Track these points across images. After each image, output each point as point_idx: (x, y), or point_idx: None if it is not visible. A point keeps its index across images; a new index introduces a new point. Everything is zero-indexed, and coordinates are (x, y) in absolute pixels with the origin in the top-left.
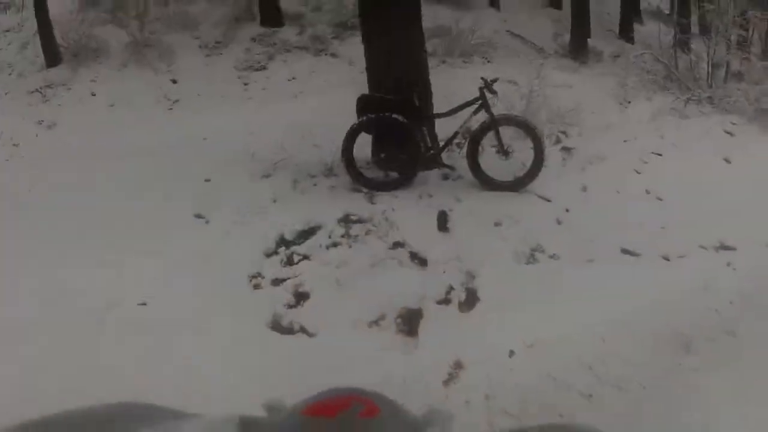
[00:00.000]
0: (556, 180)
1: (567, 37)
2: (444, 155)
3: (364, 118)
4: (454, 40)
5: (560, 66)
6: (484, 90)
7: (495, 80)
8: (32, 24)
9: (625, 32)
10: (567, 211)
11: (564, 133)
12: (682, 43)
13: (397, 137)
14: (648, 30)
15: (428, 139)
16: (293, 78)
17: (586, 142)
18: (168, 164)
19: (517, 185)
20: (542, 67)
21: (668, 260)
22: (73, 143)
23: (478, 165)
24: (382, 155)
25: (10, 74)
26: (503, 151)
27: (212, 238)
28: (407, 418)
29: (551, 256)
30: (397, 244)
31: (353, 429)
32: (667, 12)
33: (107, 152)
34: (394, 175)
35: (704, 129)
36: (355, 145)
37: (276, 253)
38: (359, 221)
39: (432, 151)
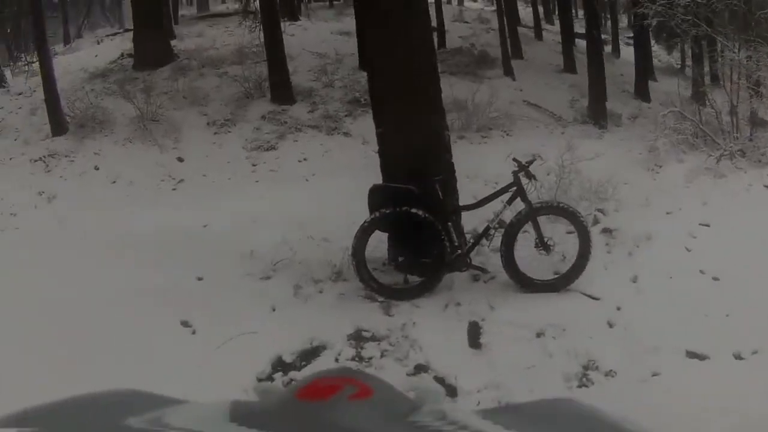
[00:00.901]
0: (602, 270)
1: (584, 102)
2: (473, 254)
3: (378, 213)
4: (471, 114)
5: (582, 133)
6: (519, 174)
7: (531, 162)
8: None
9: (641, 91)
10: (618, 309)
11: (601, 211)
12: (700, 96)
13: (417, 236)
14: (661, 86)
15: (454, 236)
16: (304, 159)
17: (627, 220)
18: (161, 257)
19: (560, 284)
20: (571, 140)
21: (742, 359)
22: (70, 222)
23: (514, 263)
24: (400, 258)
25: (15, 140)
26: (544, 246)
27: (197, 355)
28: (400, 400)
29: (608, 374)
30: (419, 368)
31: (345, 411)
32: (677, 66)
33: (102, 239)
34: (414, 279)
35: (743, 186)
36: (368, 245)
37: (271, 379)
38: (373, 339)
39: (459, 251)
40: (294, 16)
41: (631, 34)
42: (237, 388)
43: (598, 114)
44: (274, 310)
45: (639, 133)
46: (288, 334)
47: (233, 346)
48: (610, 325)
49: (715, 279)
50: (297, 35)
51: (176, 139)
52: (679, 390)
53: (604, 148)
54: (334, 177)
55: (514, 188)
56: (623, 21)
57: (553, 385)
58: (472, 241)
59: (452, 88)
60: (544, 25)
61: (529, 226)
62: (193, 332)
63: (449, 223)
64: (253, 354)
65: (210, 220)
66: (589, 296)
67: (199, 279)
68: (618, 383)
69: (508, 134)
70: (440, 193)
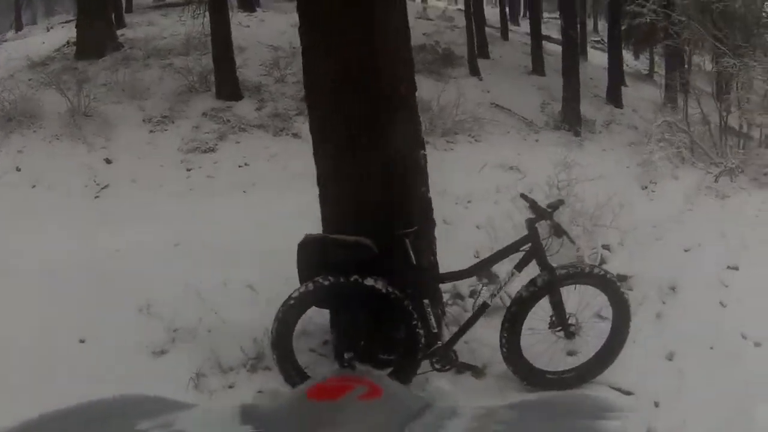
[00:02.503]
0: (630, 344)
1: (555, 106)
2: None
3: (313, 284)
4: (436, 116)
5: (559, 141)
6: (536, 224)
7: (556, 206)
8: None
9: (614, 96)
10: (657, 406)
11: (607, 247)
12: (673, 104)
13: (375, 320)
14: (631, 92)
15: (432, 320)
16: (245, 164)
17: (641, 261)
18: (50, 303)
19: (582, 378)
20: (567, 155)
21: None
22: None
23: (521, 353)
24: (347, 356)
25: None
26: (566, 330)
27: None
28: (408, 400)
29: None
30: None
31: (355, 410)
32: (645, 72)
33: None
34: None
35: (753, 212)
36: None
37: None
38: None
39: (440, 342)
40: (251, 7)
41: (597, 38)
42: None
43: (572, 119)
44: None
45: (619, 142)
46: None
47: None
48: None
49: (758, 345)
50: (252, 27)
51: (108, 137)
52: None
53: (589, 160)
54: (277, 189)
55: (529, 246)
56: (589, 24)
57: None
58: (459, 327)
59: None
60: (510, 26)
61: (545, 300)
62: None
63: (426, 300)
64: None
65: (125, 244)
66: (620, 390)
67: (81, 341)
68: None
69: (476, 140)
70: (412, 253)
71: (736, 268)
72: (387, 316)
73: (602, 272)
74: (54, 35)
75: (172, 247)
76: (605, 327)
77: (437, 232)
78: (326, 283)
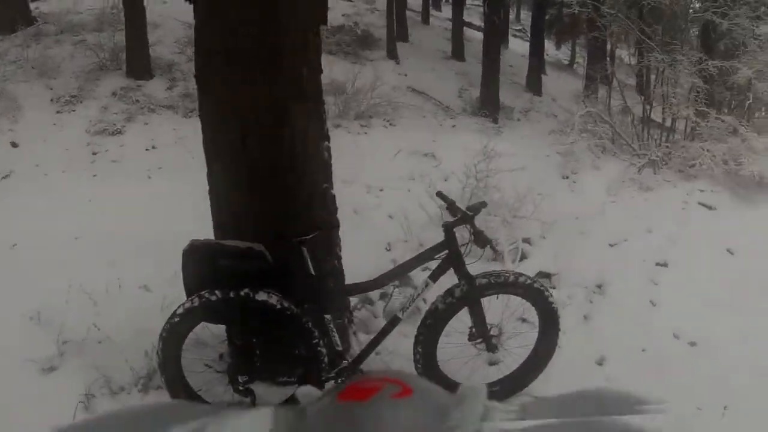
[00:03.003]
0: (556, 353)
1: (473, 91)
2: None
3: (198, 299)
4: (350, 99)
5: (476, 128)
6: (453, 229)
7: (479, 208)
8: None
9: (533, 84)
10: None
11: (527, 241)
12: (593, 93)
13: (271, 337)
14: (551, 82)
15: (336, 336)
16: (153, 146)
17: (565, 256)
18: None
19: (507, 391)
20: (488, 143)
21: None
22: None
23: (437, 369)
24: (242, 379)
25: None
26: (488, 342)
27: None
28: (440, 398)
29: None
30: None
31: (385, 409)
32: (566, 62)
33: None
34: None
35: (679, 204)
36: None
37: None
38: None
39: (346, 361)
40: None
41: (519, 27)
42: None
43: (490, 105)
44: None
45: (539, 130)
46: None
47: None
48: None
49: (692, 344)
50: (169, 2)
51: (14, 118)
52: None
53: (508, 148)
54: (183, 172)
55: (445, 253)
56: (512, 13)
57: None
58: (367, 343)
59: (331, 69)
60: (432, 11)
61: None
62: None
63: (327, 316)
64: None
65: (22, 237)
66: None
67: None
68: None
69: (391, 124)
70: (310, 263)
71: (665, 265)
72: (284, 334)
73: (528, 281)
74: None
75: (72, 240)
76: (531, 334)
77: (346, 224)
78: (213, 298)
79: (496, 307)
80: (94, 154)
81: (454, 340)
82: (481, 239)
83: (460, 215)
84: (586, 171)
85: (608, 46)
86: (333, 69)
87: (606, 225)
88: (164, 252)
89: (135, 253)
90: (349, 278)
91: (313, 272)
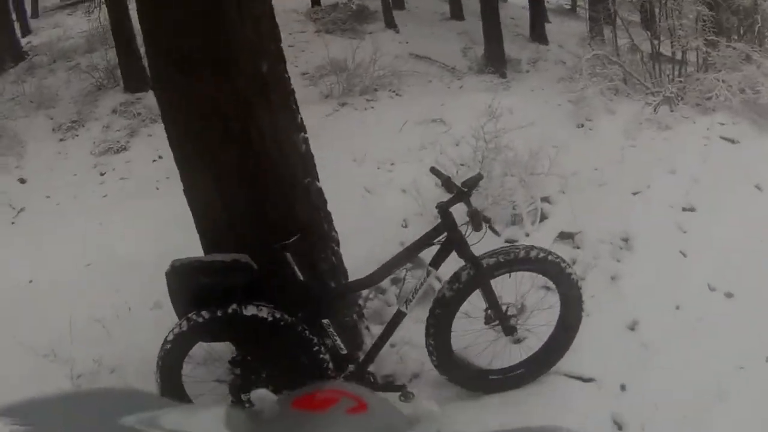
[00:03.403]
0: (584, 321)
1: (477, 49)
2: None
3: (188, 321)
4: (352, 75)
5: (484, 86)
6: (450, 207)
7: (475, 181)
8: None
9: (537, 33)
10: (623, 390)
11: (547, 200)
12: (598, 35)
13: (269, 350)
14: (556, 28)
15: (338, 339)
16: (159, 157)
17: (587, 212)
18: None
19: (533, 372)
20: (492, 102)
21: None
22: None
23: (453, 356)
24: (245, 396)
25: None
26: (505, 325)
27: None
28: (395, 415)
29: None
30: None
31: (340, 424)
32: (568, 7)
33: None
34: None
35: (700, 141)
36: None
37: None
38: None
39: (351, 365)
40: None
41: None
42: None
43: (496, 61)
44: None
45: (548, 79)
46: None
47: None
48: (619, 427)
49: (729, 296)
50: None
51: (20, 154)
52: None
53: (517, 103)
54: None
55: (444, 237)
56: None
57: None
58: (375, 341)
59: (328, 48)
60: None
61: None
62: None
63: (325, 321)
64: None
65: (38, 271)
66: (580, 378)
67: None
68: None
69: (397, 94)
70: (297, 268)
71: (693, 210)
72: (282, 345)
73: (542, 254)
74: None
75: (84, 267)
76: (556, 308)
77: (358, 205)
78: (200, 320)
79: (512, 283)
80: (102, 174)
81: (469, 325)
82: (476, 220)
83: (455, 192)
84: (600, 116)
85: None
86: (330, 47)
87: (627, 172)
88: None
89: (145, 272)
90: (366, 264)
91: (301, 277)
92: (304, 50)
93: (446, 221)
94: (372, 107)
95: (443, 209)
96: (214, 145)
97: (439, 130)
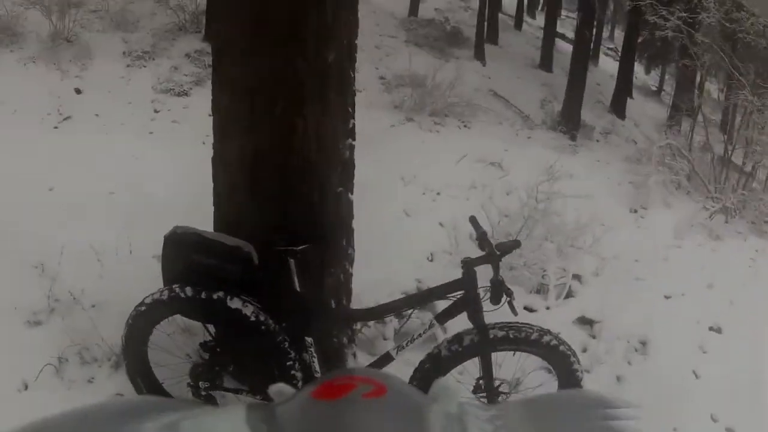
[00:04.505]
0: None
1: (555, 105)
2: None
3: (171, 290)
4: (427, 93)
5: (552, 143)
6: (473, 266)
7: (511, 247)
8: None
9: (618, 106)
10: None
11: (578, 278)
12: (676, 124)
13: (245, 347)
14: (636, 106)
15: (316, 363)
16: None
17: (613, 302)
18: None
19: None
20: (555, 164)
21: None
22: None
23: None
24: (203, 384)
25: None
26: (489, 394)
27: None
28: (413, 398)
29: None
30: None
31: (359, 408)
32: (654, 88)
33: None
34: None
35: (746, 259)
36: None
37: None
38: None
39: None
40: None
41: (611, 46)
42: None
43: (570, 122)
44: (26, 388)
45: (616, 155)
46: None
47: None
48: None
49: (729, 431)
50: None
51: (84, 66)
52: None
53: (580, 170)
54: None
55: (461, 294)
56: (606, 31)
57: None
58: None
59: (411, 61)
60: (526, 17)
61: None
62: None
63: (308, 338)
64: None
65: (62, 182)
66: None
67: None
68: None
69: (466, 126)
70: (295, 277)
71: (719, 331)
72: (257, 349)
73: (554, 341)
74: None
75: (107, 194)
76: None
77: (393, 225)
78: (182, 295)
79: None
80: (156, 112)
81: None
82: (498, 291)
83: (487, 251)
84: (656, 207)
85: (698, 77)
86: (414, 60)
87: (666, 273)
88: (191, 222)
89: (163, 219)
90: (376, 288)
91: (298, 288)
92: (389, 55)
93: (468, 279)
94: (437, 131)
95: (469, 267)
96: (255, 124)
97: (494, 174)
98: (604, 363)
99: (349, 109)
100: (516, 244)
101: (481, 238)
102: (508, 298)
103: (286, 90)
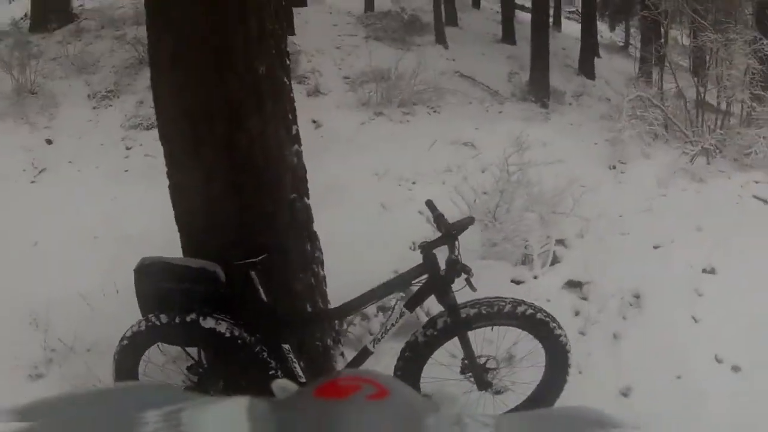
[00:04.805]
0: (575, 377)
1: (523, 75)
2: None
3: (147, 321)
4: (392, 85)
5: (523, 114)
6: (430, 249)
7: (464, 225)
8: None
9: (586, 68)
10: None
11: (562, 242)
12: (646, 77)
13: (226, 364)
14: (605, 64)
15: (297, 366)
16: None
17: (601, 262)
18: None
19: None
20: (521, 134)
21: None
22: None
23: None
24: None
25: None
26: (479, 379)
27: None
28: (415, 403)
29: None
30: None
31: (361, 410)
32: (620, 44)
33: None
34: None
35: (732, 197)
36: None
37: None
38: None
39: None
40: None
41: (571, 9)
42: None
43: (540, 90)
44: None
45: (589, 115)
46: None
47: None
48: None
49: (736, 370)
50: None
51: (51, 115)
52: None
53: (553, 136)
54: None
55: (425, 278)
56: None
57: None
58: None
59: (372, 56)
60: None
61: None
62: None
63: (285, 345)
64: None
65: (45, 235)
66: None
67: None
68: None
69: (435, 111)
70: (260, 288)
71: (713, 272)
72: (239, 364)
73: (530, 310)
74: (15, 7)
75: (91, 239)
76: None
77: (371, 221)
78: (158, 323)
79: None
80: (128, 149)
81: (448, 371)
82: (453, 269)
83: (442, 233)
84: (635, 160)
85: (662, 27)
86: (374, 55)
87: (652, 223)
88: (172, 251)
89: (144, 253)
90: (364, 281)
91: (264, 298)
92: (351, 54)
93: (428, 262)
94: (407, 121)
95: (426, 249)
96: (201, 149)
97: (468, 154)
98: (598, 323)
99: (290, 116)
100: (470, 221)
101: (437, 220)
102: (467, 275)
103: (223, 108)
